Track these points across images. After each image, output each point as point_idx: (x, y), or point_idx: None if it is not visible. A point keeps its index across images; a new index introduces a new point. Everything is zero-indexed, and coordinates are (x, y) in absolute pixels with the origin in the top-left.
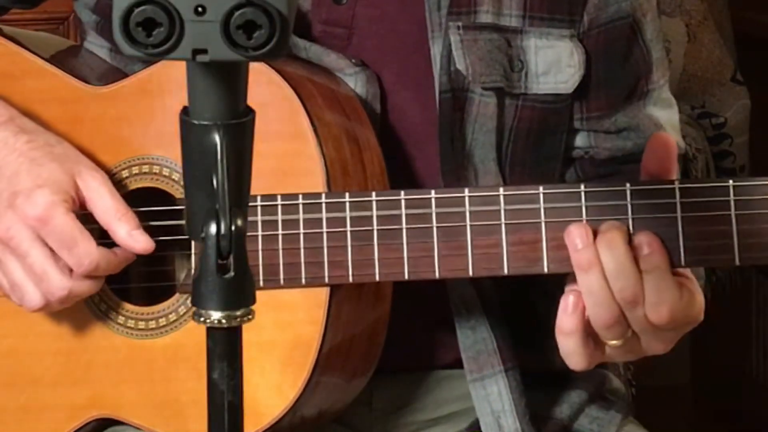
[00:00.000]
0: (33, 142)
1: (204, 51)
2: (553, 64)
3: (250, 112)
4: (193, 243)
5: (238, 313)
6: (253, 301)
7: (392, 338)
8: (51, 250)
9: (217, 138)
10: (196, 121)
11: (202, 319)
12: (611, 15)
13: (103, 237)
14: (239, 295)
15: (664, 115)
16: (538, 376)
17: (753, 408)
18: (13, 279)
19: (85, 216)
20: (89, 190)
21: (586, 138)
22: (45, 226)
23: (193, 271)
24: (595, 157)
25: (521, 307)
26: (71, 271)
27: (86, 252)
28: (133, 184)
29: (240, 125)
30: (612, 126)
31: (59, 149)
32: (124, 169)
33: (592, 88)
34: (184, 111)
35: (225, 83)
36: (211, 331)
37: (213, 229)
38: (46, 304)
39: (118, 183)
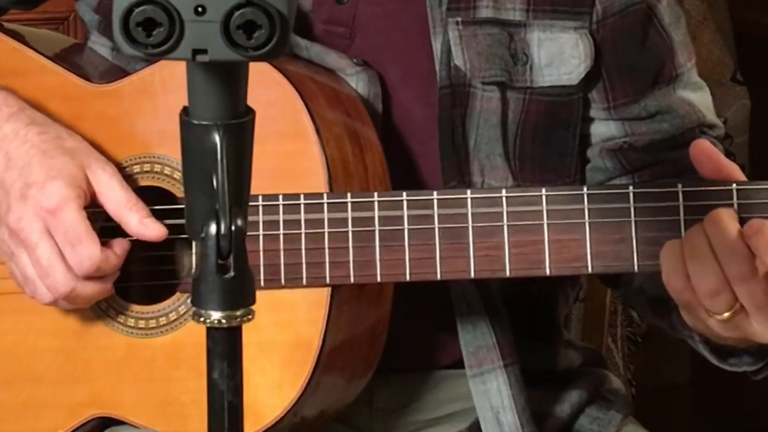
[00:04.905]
0: (44, 134)
1: (204, 51)
2: (556, 56)
3: (250, 111)
4: (193, 242)
5: (238, 313)
6: (253, 301)
7: (393, 338)
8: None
9: (217, 138)
10: (196, 121)
11: (202, 319)
12: (625, 1)
13: (103, 235)
14: (239, 295)
15: (697, 97)
16: (539, 375)
17: (753, 408)
18: (25, 273)
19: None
20: (99, 183)
21: (621, 127)
22: (54, 219)
23: (193, 270)
24: (635, 144)
25: (524, 304)
26: None
27: (88, 253)
28: (136, 183)
29: (240, 125)
30: (642, 111)
31: (70, 142)
32: (125, 168)
33: (614, 76)
34: (184, 111)
35: (225, 83)
36: (211, 331)
37: (213, 229)
38: (55, 300)
39: None
